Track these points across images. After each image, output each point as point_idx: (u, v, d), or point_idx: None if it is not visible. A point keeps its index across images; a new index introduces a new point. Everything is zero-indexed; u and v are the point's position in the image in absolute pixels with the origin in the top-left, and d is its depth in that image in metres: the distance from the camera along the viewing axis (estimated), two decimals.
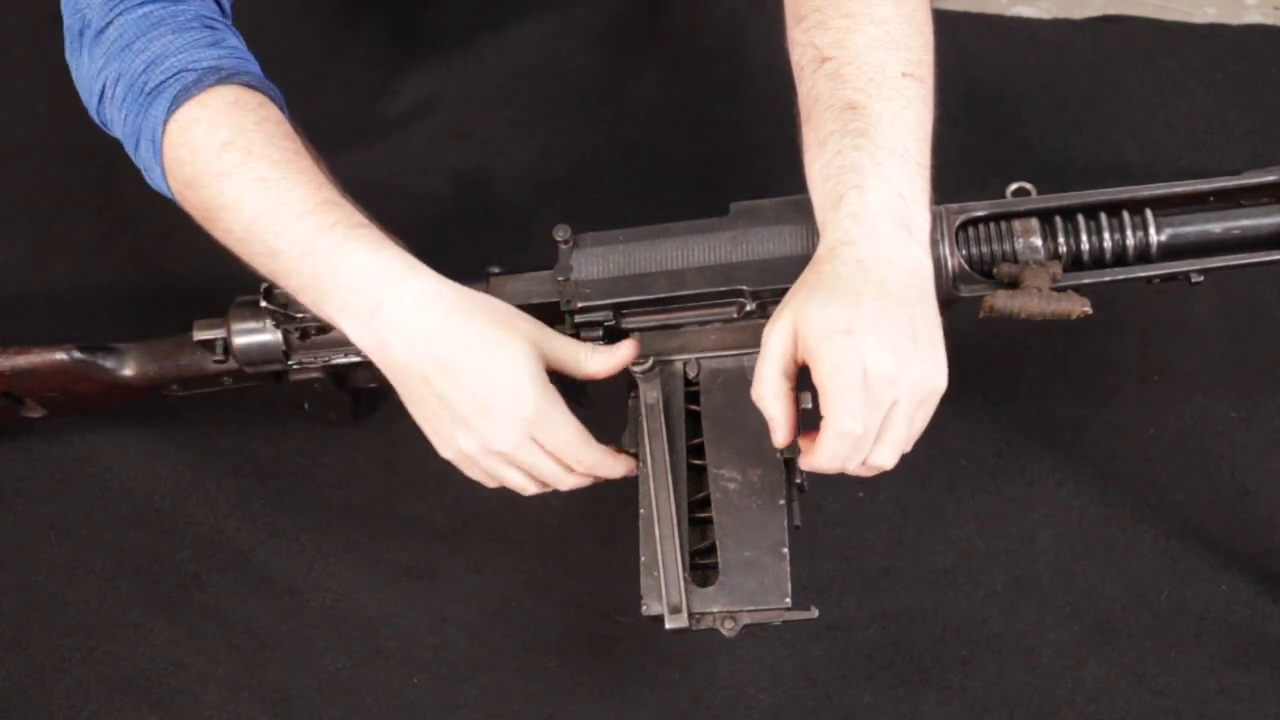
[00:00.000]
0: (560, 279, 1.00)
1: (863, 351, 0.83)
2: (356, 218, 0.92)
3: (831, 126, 0.90)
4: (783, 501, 0.94)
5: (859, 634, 1.11)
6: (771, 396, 0.88)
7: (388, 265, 0.90)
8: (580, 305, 1.00)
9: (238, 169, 0.90)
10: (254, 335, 1.08)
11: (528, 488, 0.97)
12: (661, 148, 1.34)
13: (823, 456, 0.86)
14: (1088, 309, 0.92)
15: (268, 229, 0.90)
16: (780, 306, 0.88)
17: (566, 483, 0.97)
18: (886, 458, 0.88)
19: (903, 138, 0.89)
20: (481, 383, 0.90)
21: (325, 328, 1.06)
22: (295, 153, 0.91)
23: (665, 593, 0.93)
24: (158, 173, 0.93)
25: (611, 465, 0.97)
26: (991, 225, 0.97)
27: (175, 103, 0.91)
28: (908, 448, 0.89)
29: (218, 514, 1.20)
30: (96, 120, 0.98)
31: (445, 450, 0.94)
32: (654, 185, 1.32)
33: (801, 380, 0.89)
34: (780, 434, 0.88)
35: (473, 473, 0.96)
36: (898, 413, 0.86)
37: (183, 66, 0.92)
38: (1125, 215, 0.96)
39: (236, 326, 1.08)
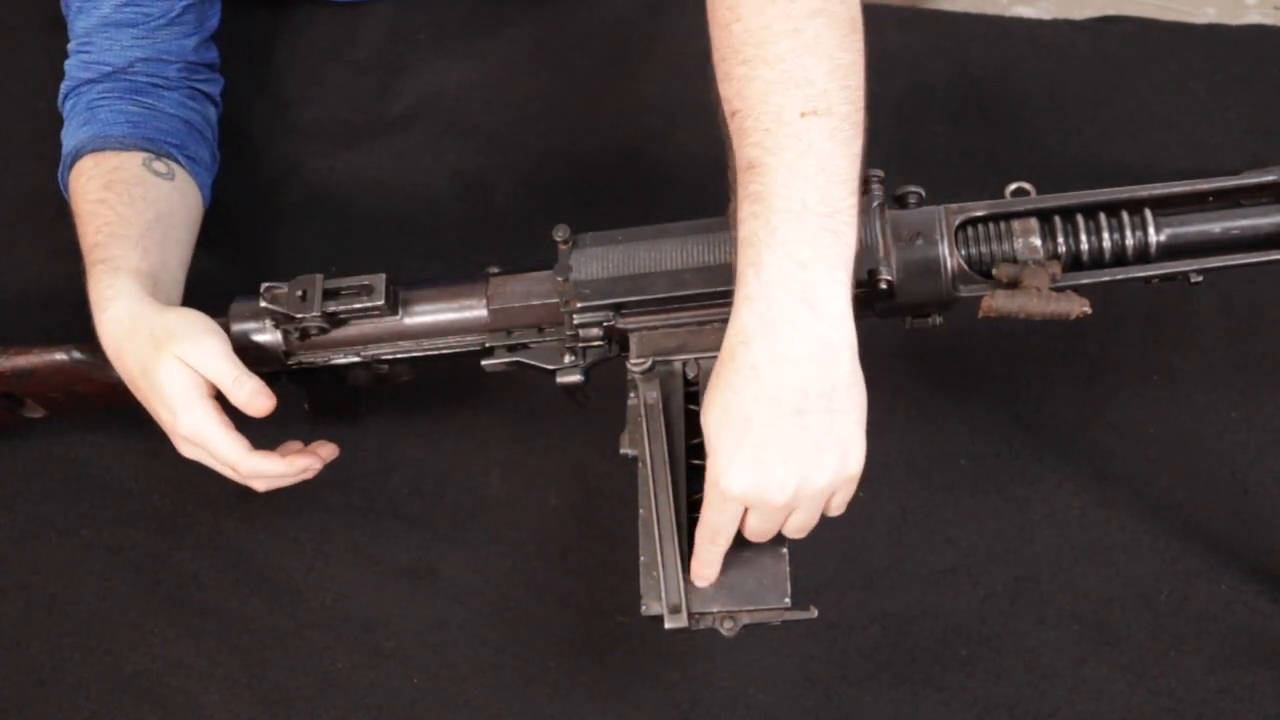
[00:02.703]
0: (560, 279, 1.00)
1: (743, 497, 0.87)
2: (108, 252, 1.08)
3: (741, 191, 0.87)
4: None
5: (859, 634, 1.11)
6: None
7: (100, 294, 1.06)
8: (579, 305, 1.00)
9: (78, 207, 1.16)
10: (254, 335, 1.08)
11: (229, 474, 1.06)
12: (661, 148, 1.34)
13: (696, 565, 0.93)
14: (1087, 309, 0.91)
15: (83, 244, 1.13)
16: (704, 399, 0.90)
17: (244, 481, 1.06)
18: (795, 535, 0.92)
19: (800, 189, 0.84)
20: (147, 399, 1.04)
21: (326, 328, 1.06)
22: (98, 202, 1.13)
23: (665, 593, 0.93)
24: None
25: (269, 468, 1.03)
26: (990, 225, 0.97)
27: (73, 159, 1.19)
28: (836, 514, 0.92)
29: (218, 514, 1.20)
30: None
31: None
32: (654, 185, 1.32)
33: None
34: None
35: None
36: (798, 513, 0.90)
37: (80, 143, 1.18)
38: (1125, 215, 0.95)
39: (236, 327, 1.08)
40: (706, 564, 0.93)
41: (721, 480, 0.87)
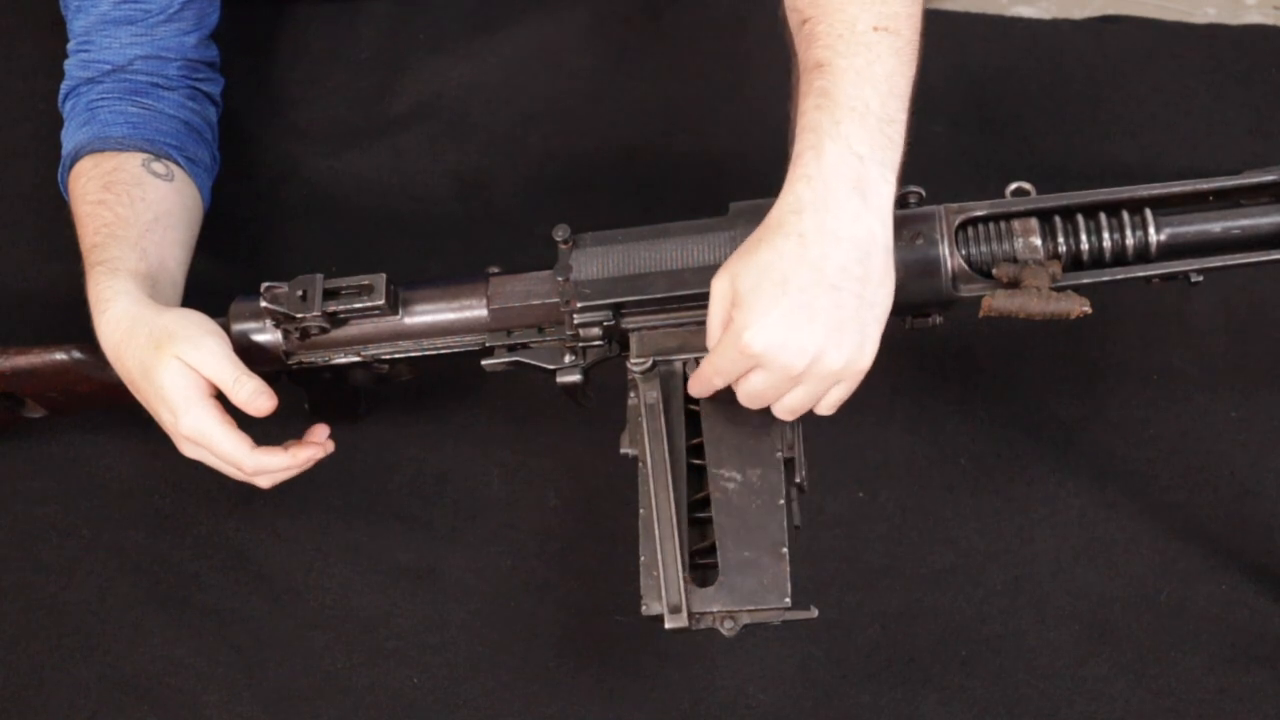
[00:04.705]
0: (560, 279, 1.01)
1: (762, 354, 0.88)
2: (107, 253, 1.09)
3: (804, 88, 0.91)
4: (782, 501, 0.94)
5: (859, 634, 1.11)
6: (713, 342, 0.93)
7: (99, 295, 1.06)
8: (580, 305, 1.00)
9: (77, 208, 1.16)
10: (254, 335, 1.08)
11: (232, 473, 1.06)
12: (661, 148, 1.34)
13: (693, 383, 0.96)
14: (1087, 309, 0.91)
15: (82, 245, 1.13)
16: (727, 263, 0.90)
17: (248, 479, 1.05)
18: (783, 415, 0.93)
19: (865, 93, 0.89)
20: (148, 400, 1.04)
21: (326, 328, 1.06)
22: (97, 203, 1.13)
23: (665, 593, 0.93)
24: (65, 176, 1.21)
25: (273, 463, 1.04)
26: (991, 225, 0.97)
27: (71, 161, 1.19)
28: (825, 412, 0.93)
29: (218, 514, 1.20)
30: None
31: None
32: (654, 185, 1.32)
33: None
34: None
35: None
36: (798, 390, 0.90)
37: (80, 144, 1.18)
38: (1125, 215, 0.95)
39: (236, 327, 1.08)
40: (704, 388, 0.95)
41: (745, 333, 0.87)
